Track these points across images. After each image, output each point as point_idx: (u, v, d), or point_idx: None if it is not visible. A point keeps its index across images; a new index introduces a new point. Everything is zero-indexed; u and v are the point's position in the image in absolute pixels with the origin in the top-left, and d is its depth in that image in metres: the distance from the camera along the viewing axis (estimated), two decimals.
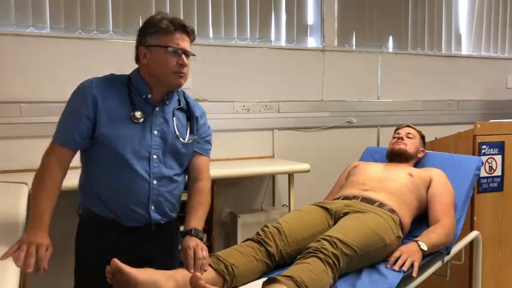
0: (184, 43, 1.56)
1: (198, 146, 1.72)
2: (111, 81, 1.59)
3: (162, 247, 1.66)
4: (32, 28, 2.69)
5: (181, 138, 1.63)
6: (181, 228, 1.65)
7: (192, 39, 1.60)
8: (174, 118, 1.64)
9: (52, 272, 1.54)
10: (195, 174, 1.72)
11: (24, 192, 1.89)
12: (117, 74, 1.64)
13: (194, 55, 1.62)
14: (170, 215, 1.67)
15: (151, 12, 2.91)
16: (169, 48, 1.53)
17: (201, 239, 1.56)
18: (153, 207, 1.60)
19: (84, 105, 1.52)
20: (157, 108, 1.61)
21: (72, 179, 1.59)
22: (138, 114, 1.56)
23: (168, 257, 1.68)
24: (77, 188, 1.65)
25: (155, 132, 1.59)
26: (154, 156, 1.58)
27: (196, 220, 1.61)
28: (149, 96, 1.60)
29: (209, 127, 1.79)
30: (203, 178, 1.72)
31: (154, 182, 1.58)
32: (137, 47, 1.60)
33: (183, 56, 1.56)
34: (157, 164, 1.59)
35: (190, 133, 1.68)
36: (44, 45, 2.68)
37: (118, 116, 1.55)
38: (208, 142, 1.77)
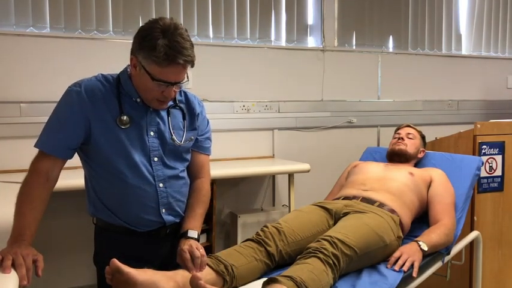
0: (177, 76, 1.43)
1: (198, 145, 1.68)
2: (100, 83, 1.50)
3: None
4: (32, 28, 2.69)
5: (176, 141, 1.57)
6: None
7: (191, 66, 1.44)
8: (170, 117, 1.58)
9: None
10: (195, 172, 1.69)
11: None
12: (105, 74, 1.55)
13: (187, 81, 1.48)
14: (183, 214, 1.64)
15: (151, 12, 2.93)
16: (157, 81, 1.42)
17: (197, 240, 1.54)
18: (164, 210, 1.57)
19: (74, 114, 1.45)
20: (151, 109, 1.53)
21: (76, 179, 1.55)
22: (124, 118, 1.48)
23: None
24: (83, 188, 1.62)
25: (151, 133, 1.53)
26: (155, 159, 1.54)
27: (193, 221, 1.59)
28: (138, 100, 1.52)
29: (208, 122, 1.73)
30: (203, 175, 1.70)
31: (161, 185, 1.55)
32: (131, 52, 1.46)
33: (172, 87, 1.45)
34: (160, 167, 1.55)
35: (188, 130, 1.62)
36: (44, 45, 2.68)
37: (110, 121, 1.48)
38: (209, 139, 1.73)
